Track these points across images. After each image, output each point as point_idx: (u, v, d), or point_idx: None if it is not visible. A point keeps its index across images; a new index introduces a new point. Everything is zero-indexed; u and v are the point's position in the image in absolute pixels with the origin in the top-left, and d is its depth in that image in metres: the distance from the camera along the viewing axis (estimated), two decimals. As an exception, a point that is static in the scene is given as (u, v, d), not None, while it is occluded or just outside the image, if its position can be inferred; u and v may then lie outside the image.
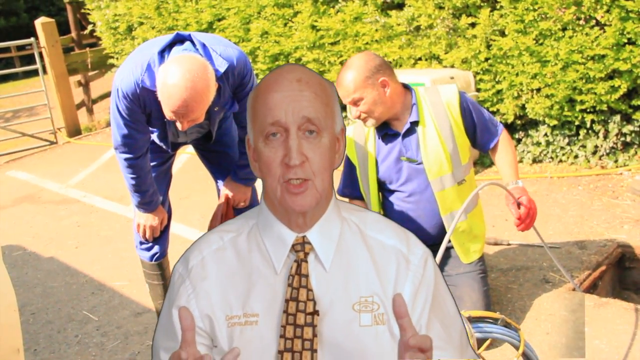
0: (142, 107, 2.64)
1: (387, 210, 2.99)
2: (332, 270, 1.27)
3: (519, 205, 2.67)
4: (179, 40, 2.55)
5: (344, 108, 5.51)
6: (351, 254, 1.29)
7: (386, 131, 2.85)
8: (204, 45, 2.54)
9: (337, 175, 1.64)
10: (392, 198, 2.95)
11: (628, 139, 4.65)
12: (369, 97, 2.71)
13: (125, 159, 2.78)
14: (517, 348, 2.02)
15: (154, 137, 2.91)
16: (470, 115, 2.83)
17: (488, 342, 2.19)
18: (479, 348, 2.06)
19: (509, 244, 3.77)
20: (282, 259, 1.27)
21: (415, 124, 2.81)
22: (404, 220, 2.93)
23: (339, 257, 1.28)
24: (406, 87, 2.86)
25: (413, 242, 1.34)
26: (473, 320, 2.01)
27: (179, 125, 2.50)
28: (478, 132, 2.86)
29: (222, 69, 2.53)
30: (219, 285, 1.28)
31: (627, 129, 4.61)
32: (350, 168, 3.00)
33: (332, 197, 1.32)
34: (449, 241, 2.82)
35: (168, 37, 2.59)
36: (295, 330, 1.21)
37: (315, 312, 1.22)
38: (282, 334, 1.22)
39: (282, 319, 1.23)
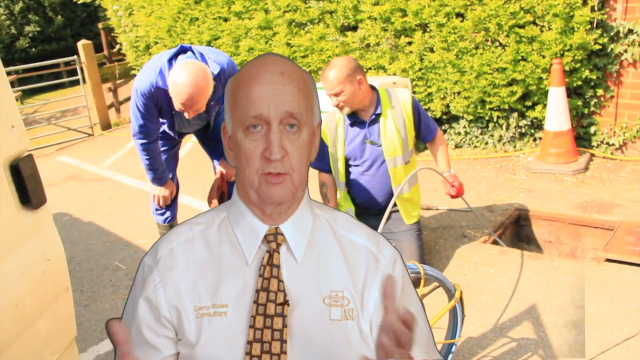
0: (155, 102, 2.61)
1: (350, 180, 2.96)
2: (303, 263, 0.99)
3: (452, 186, 2.88)
4: (183, 50, 2.55)
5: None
6: (322, 248, 1.01)
7: (355, 119, 2.84)
8: (201, 54, 2.55)
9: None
10: (354, 171, 2.92)
11: (523, 130, 4.67)
12: (348, 91, 2.69)
13: (141, 144, 2.74)
14: (452, 297, 1.88)
15: (165, 127, 2.86)
16: (417, 114, 2.85)
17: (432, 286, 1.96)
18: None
19: (437, 209, 3.77)
20: (254, 250, 0.98)
21: (378, 115, 2.80)
22: (361, 189, 2.93)
23: (311, 251, 1.00)
24: (372, 88, 2.86)
25: (382, 243, 1.05)
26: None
27: (186, 114, 2.51)
28: (422, 127, 2.88)
29: (215, 72, 2.53)
30: (188, 275, 0.98)
31: (522, 123, 4.62)
32: (322, 145, 2.95)
33: (306, 192, 1.03)
34: (395, 205, 2.85)
35: (174, 49, 2.59)
36: (265, 321, 0.94)
37: (285, 303, 0.95)
38: (251, 324, 0.94)
39: (252, 309, 0.94)
